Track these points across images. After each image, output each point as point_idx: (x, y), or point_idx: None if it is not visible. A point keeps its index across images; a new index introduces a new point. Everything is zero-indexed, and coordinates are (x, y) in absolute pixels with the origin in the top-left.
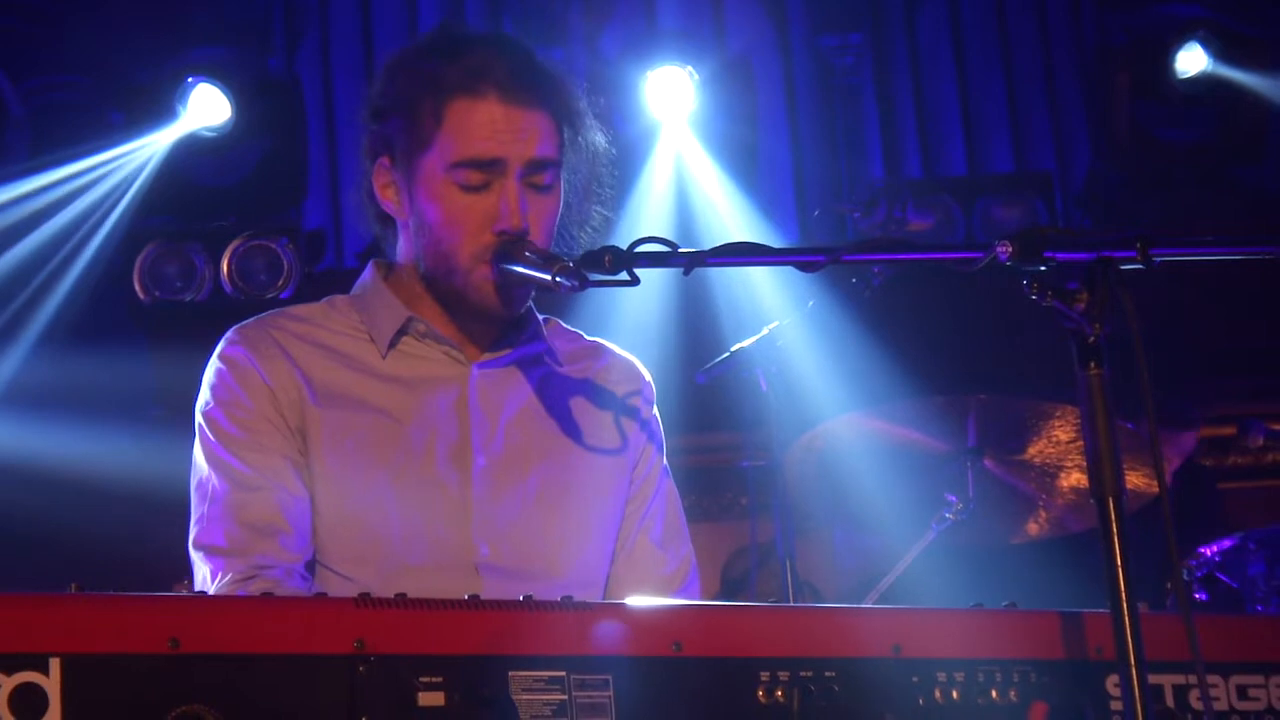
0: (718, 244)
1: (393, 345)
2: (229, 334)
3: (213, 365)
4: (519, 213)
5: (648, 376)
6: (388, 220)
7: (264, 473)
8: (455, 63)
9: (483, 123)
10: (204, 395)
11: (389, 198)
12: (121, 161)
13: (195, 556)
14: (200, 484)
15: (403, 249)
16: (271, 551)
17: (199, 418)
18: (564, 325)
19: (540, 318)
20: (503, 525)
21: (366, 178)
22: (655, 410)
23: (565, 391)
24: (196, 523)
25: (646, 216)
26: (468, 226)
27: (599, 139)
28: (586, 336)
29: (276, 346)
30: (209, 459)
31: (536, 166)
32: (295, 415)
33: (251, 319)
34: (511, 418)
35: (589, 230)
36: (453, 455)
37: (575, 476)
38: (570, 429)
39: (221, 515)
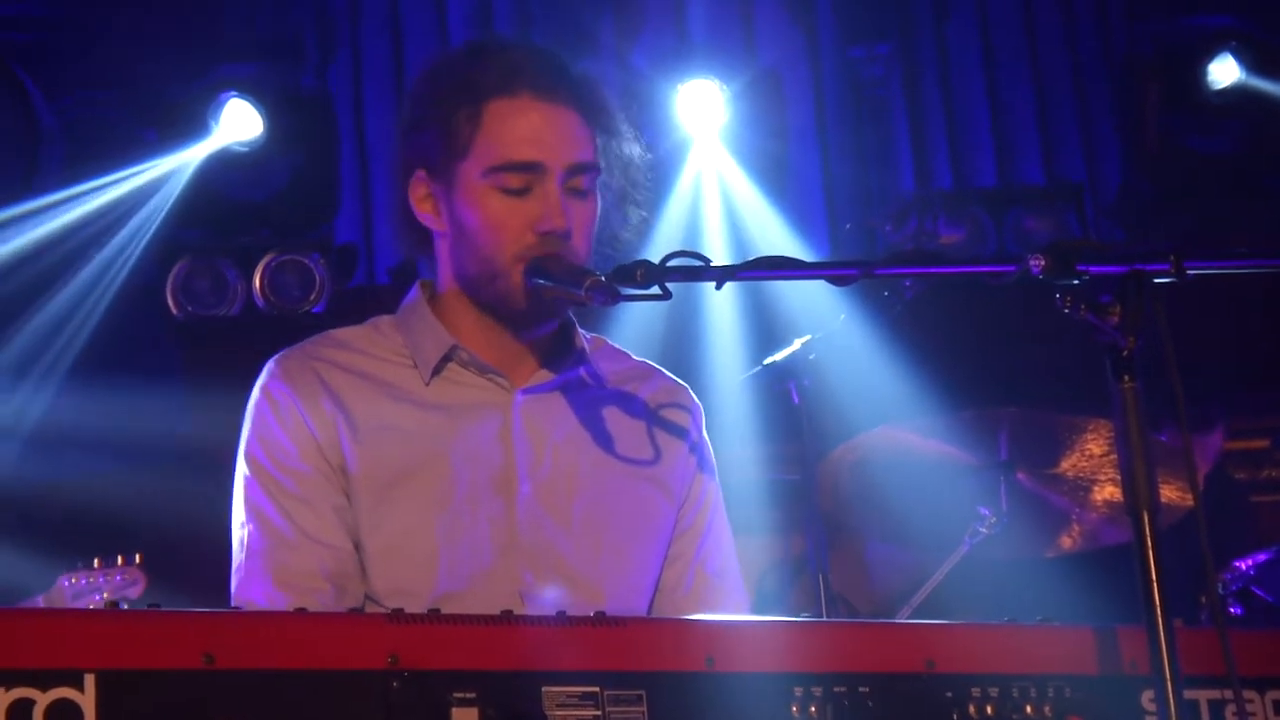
0: (749, 258)
1: (437, 372)
2: (271, 365)
3: (254, 399)
4: (562, 214)
5: (697, 401)
6: (425, 239)
7: (303, 527)
8: (488, 67)
9: (521, 126)
10: (246, 431)
11: (426, 210)
12: (154, 176)
13: None
14: (240, 531)
15: (442, 265)
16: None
17: (240, 455)
18: (612, 345)
19: (587, 338)
20: (547, 554)
21: (401, 193)
22: (705, 437)
23: (611, 418)
24: (236, 571)
25: (677, 230)
26: (508, 230)
27: (633, 145)
28: (634, 357)
29: (317, 380)
30: (248, 505)
31: (576, 170)
32: (336, 454)
33: (294, 347)
34: (557, 444)
35: (628, 232)
36: (496, 483)
37: (620, 503)
38: (616, 455)
39: (259, 571)
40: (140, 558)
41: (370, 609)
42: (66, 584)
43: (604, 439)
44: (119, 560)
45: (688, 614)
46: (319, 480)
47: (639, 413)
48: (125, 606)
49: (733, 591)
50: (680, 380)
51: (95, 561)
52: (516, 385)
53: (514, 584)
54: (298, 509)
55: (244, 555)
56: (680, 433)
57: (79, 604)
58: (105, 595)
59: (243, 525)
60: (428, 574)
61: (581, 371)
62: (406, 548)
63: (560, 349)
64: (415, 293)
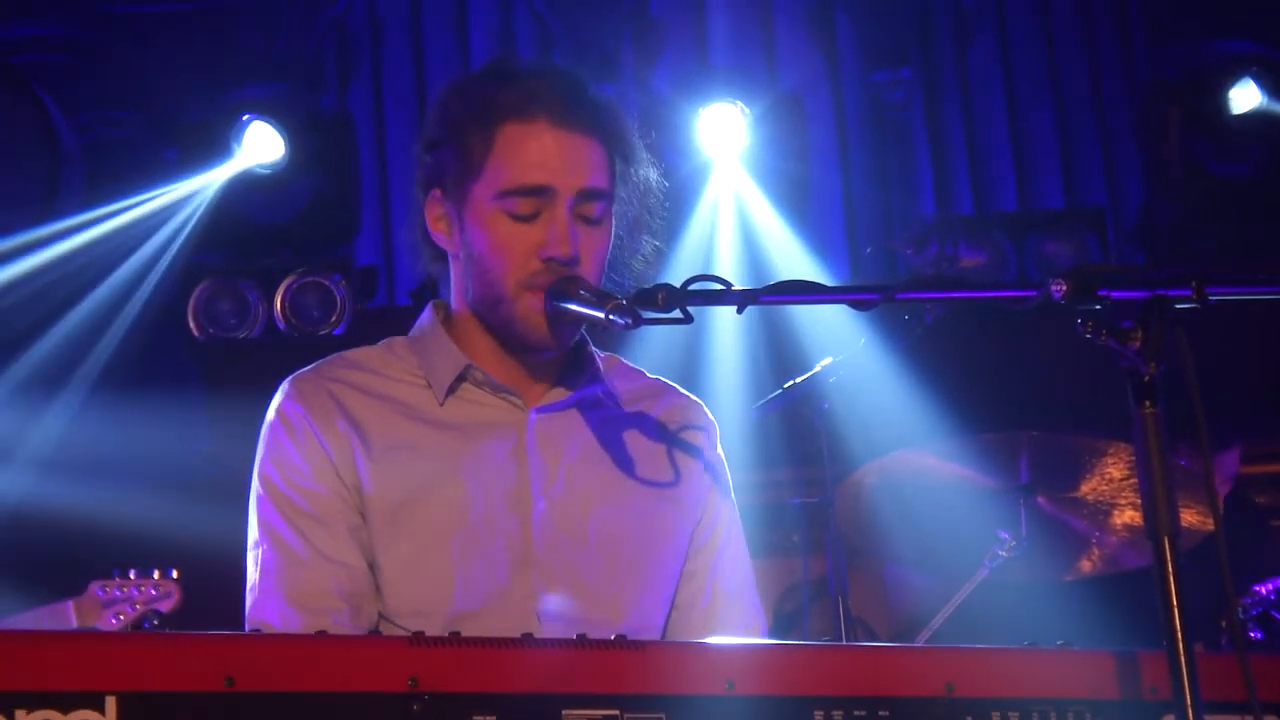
0: (770, 281)
1: (451, 392)
2: (285, 386)
3: (268, 420)
4: (569, 240)
5: (712, 418)
6: (443, 257)
7: (318, 546)
8: (507, 90)
9: (533, 150)
10: (260, 452)
11: (440, 230)
12: (175, 198)
13: (249, 630)
14: (254, 551)
15: (454, 285)
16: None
17: (255, 475)
18: (626, 363)
19: (600, 357)
20: (563, 571)
21: (420, 213)
22: (720, 453)
23: (626, 435)
24: (250, 591)
25: (698, 254)
26: (514, 254)
27: (651, 172)
28: (649, 375)
29: (332, 400)
30: (262, 524)
31: (587, 197)
32: (351, 473)
33: (308, 368)
34: (572, 462)
35: (641, 263)
36: (511, 501)
37: (636, 520)
38: (631, 473)
39: (274, 590)
40: (177, 573)
41: (385, 628)
42: (101, 592)
43: (619, 457)
44: (155, 574)
45: (705, 632)
46: (333, 500)
47: (653, 430)
48: (155, 622)
49: (750, 609)
50: (695, 397)
51: (131, 573)
52: (530, 404)
53: (530, 602)
54: (312, 528)
55: (258, 575)
56: (695, 450)
57: (110, 611)
58: (138, 607)
59: (256, 545)
60: (443, 593)
61: (596, 390)
62: (422, 566)
63: (574, 367)
64: (429, 314)
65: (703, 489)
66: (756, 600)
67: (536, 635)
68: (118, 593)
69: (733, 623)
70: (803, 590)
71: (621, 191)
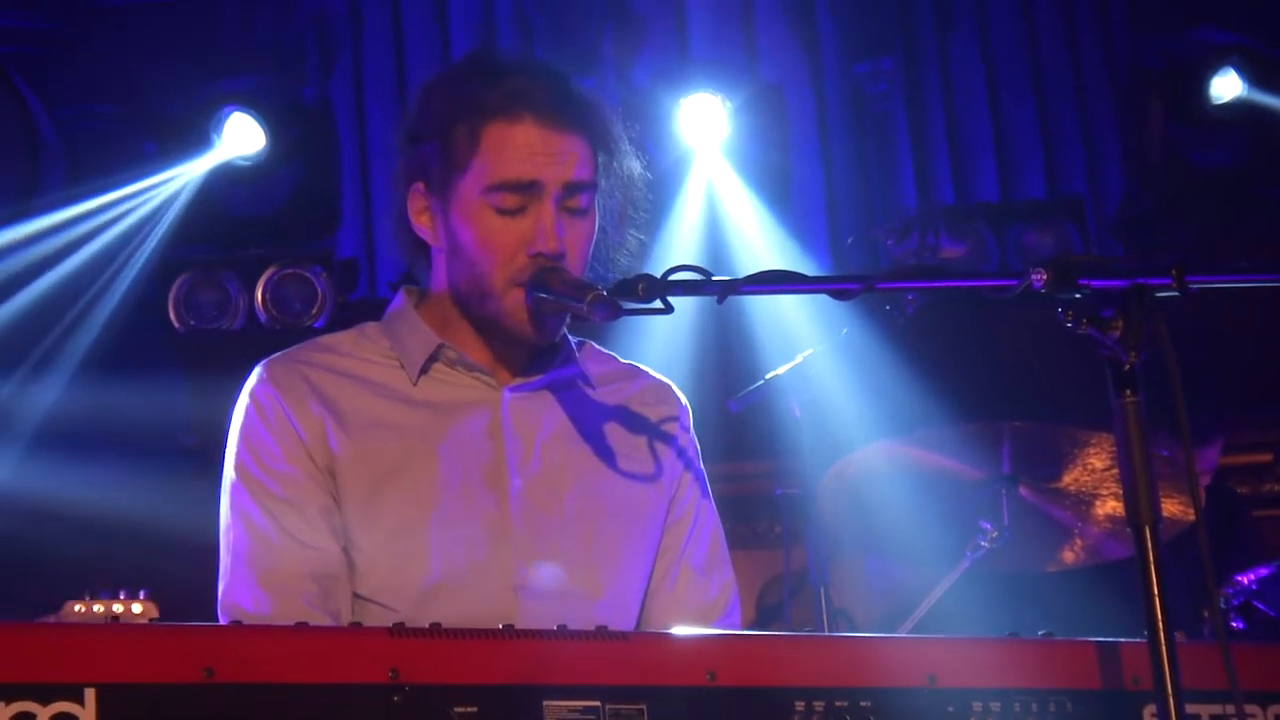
0: (751, 272)
1: (423, 372)
2: (258, 370)
3: (241, 405)
4: (555, 236)
5: (684, 401)
6: (422, 247)
7: (289, 529)
8: (491, 87)
9: (520, 146)
10: (233, 437)
11: (423, 223)
12: (156, 191)
13: (222, 615)
14: (227, 534)
15: (436, 276)
16: (297, 614)
17: (227, 460)
18: (598, 348)
19: (574, 341)
20: (542, 546)
21: (400, 203)
22: (692, 434)
23: (599, 415)
24: (223, 574)
25: (680, 244)
26: (502, 250)
27: (634, 164)
28: (621, 359)
29: (305, 383)
30: (235, 508)
31: (573, 190)
32: (324, 455)
33: (280, 353)
34: (546, 439)
35: (624, 255)
36: (487, 478)
37: (611, 497)
38: (605, 452)
39: (246, 575)
40: (145, 595)
41: (363, 608)
42: (78, 610)
43: (592, 436)
44: (139, 595)
45: (673, 608)
46: (305, 482)
47: (627, 411)
48: None
49: (714, 588)
50: (667, 379)
51: (103, 594)
52: (504, 384)
53: (509, 576)
54: (283, 511)
55: (230, 559)
56: (668, 430)
57: None
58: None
59: (229, 529)
60: (422, 567)
61: (569, 371)
62: (401, 541)
63: (548, 349)
64: (401, 299)
65: (675, 471)
66: (728, 575)
67: (513, 610)
68: (98, 611)
69: (699, 600)
70: (784, 582)
71: (605, 183)
